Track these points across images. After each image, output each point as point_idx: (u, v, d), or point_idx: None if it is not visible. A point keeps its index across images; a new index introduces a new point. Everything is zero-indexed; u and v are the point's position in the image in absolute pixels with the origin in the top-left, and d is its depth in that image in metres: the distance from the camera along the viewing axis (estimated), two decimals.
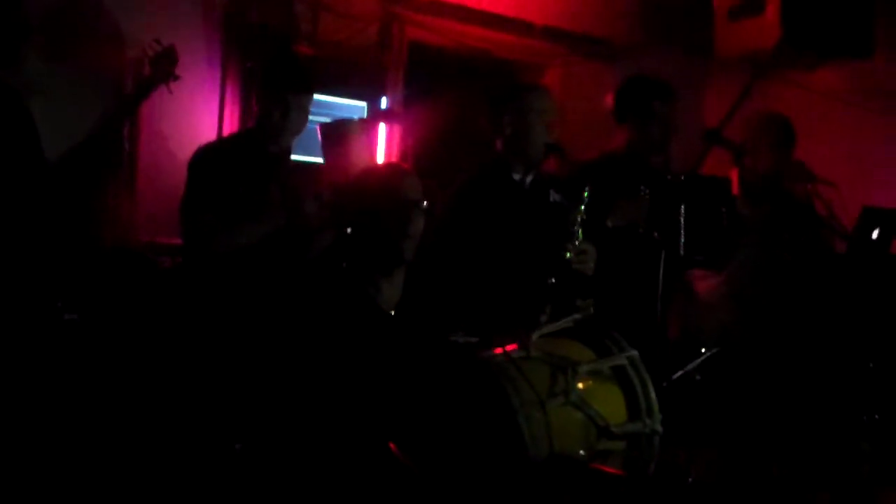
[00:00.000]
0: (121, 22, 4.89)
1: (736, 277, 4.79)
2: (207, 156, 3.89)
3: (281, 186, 3.89)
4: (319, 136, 4.20)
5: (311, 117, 4.04)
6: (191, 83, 4.95)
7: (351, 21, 5.65)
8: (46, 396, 3.71)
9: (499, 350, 3.06)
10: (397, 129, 5.74)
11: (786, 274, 4.70)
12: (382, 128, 5.59)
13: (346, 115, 5.13)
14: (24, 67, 3.97)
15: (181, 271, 4.33)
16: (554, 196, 4.08)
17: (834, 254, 4.81)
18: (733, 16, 6.13)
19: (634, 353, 3.29)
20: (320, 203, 3.78)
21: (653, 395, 3.22)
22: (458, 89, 5.95)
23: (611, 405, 3.16)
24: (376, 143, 5.52)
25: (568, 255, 3.72)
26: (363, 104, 5.56)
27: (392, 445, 2.99)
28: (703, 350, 3.79)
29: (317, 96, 4.15)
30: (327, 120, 4.41)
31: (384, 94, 5.78)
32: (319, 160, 4.30)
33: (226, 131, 5.22)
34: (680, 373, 3.60)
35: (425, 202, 3.43)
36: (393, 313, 3.43)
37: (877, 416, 4.13)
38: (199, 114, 5.21)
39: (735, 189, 4.68)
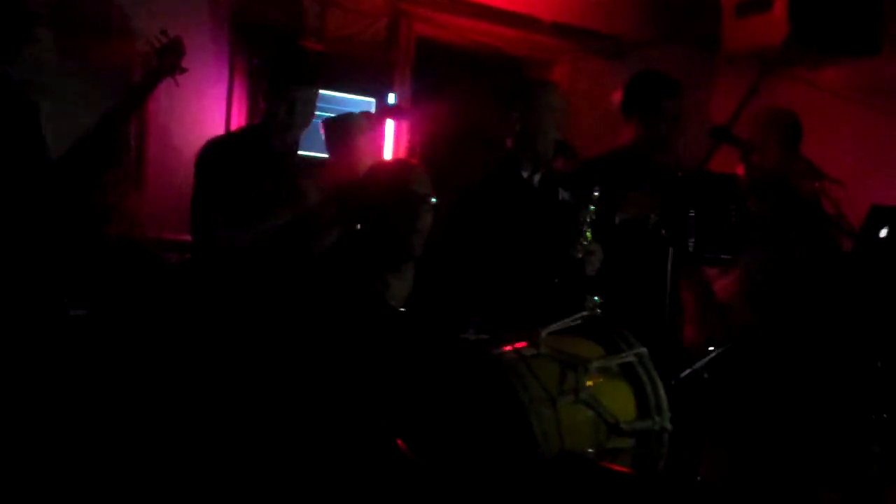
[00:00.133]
0: (129, 18, 4.89)
1: (747, 275, 4.79)
2: (215, 151, 3.87)
3: (287, 182, 3.88)
4: (323, 131, 4.19)
5: (318, 112, 4.03)
6: (199, 79, 4.96)
7: (359, 17, 5.65)
8: (53, 392, 3.71)
9: (509, 347, 3.06)
10: (405, 125, 5.73)
11: (794, 272, 4.70)
12: (390, 124, 5.58)
13: (353, 110, 5.13)
14: (34, 63, 3.98)
15: (189, 267, 4.33)
16: (562, 194, 4.07)
17: (841, 252, 4.80)
18: (741, 12, 6.12)
19: (643, 350, 3.30)
20: (322, 192, 3.78)
21: (662, 392, 3.23)
22: (465, 85, 5.95)
23: (620, 402, 3.16)
24: (383, 139, 5.51)
25: (576, 253, 3.71)
26: (371, 100, 5.56)
27: (400, 442, 2.99)
28: (712, 348, 3.78)
29: (324, 92, 4.14)
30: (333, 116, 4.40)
31: (392, 90, 5.77)
32: (325, 156, 4.29)
33: (233, 128, 5.22)
34: (688, 371, 3.59)
35: (433, 198, 3.43)
36: (402, 309, 3.42)
37: (886, 416, 4.12)
38: (207, 110, 5.21)
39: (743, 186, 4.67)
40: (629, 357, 3.26)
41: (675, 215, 4.12)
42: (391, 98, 5.75)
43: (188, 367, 3.74)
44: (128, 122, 4.54)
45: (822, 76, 6.16)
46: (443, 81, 6.02)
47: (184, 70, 3.91)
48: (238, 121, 5.26)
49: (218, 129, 5.14)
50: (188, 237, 3.99)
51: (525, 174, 4.08)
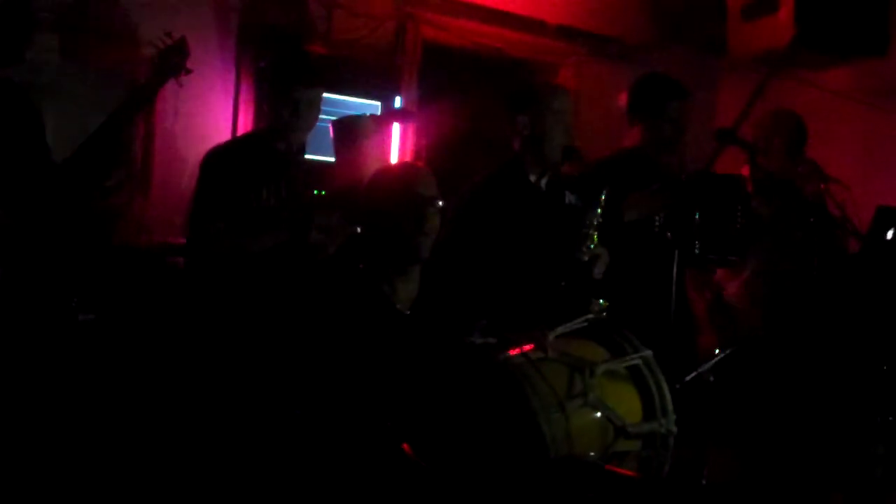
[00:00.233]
0: (136, 22, 4.89)
1: (754, 278, 4.79)
2: (218, 159, 3.88)
3: (291, 186, 3.89)
4: (332, 132, 4.20)
5: (325, 116, 4.05)
6: (205, 84, 4.99)
7: (366, 20, 5.65)
8: (60, 396, 3.72)
9: (516, 351, 3.06)
10: (411, 128, 5.75)
11: (800, 274, 4.70)
12: (396, 127, 5.59)
13: (361, 113, 5.14)
14: (38, 66, 3.99)
15: (193, 271, 4.33)
16: (569, 198, 4.07)
17: (847, 254, 4.80)
18: (747, 15, 6.11)
19: (649, 352, 3.30)
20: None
21: (668, 394, 3.24)
22: (471, 89, 5.96)
23: (626, 405, 3.17)
24: (390, 142, 5.52)
25: (582, 257, 3.72)
26: (377, 103, 5.57)
27: (406, 447, 2.99)
28: (717, 351, 3.79)
29: (331, 95, 4.14)
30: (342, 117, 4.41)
31: (398, 94, 5.78)
32: (332, 159, 4.30)
33: (240, 132, 5.23)
34: (693, 374, 3.60)
35: (440, 201, 3.43)
36: (409, 312, 3.43)
37: (891, 418, 4.12)
38: (214, 114, 5.22)
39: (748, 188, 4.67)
40: (635, 360, 3.27)
41: (681, 217, 4.12)
42: (397, 101, 5.76)
43: (195, 370, 3.75)
44: (132, 124, 4.53)
45: (828, 78, 6.15)
46: (449, 85, 6.03)
47: (189, 71, 3.86)
48: (245, 125, 5.27)
49: (224, 134, 5.16)
50: None
51: (532, 178, 4.08)
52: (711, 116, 6.33)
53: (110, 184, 4.51)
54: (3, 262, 3.51)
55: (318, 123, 4.00)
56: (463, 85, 6.05)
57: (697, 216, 4.14)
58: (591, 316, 3.37)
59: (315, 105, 3.92)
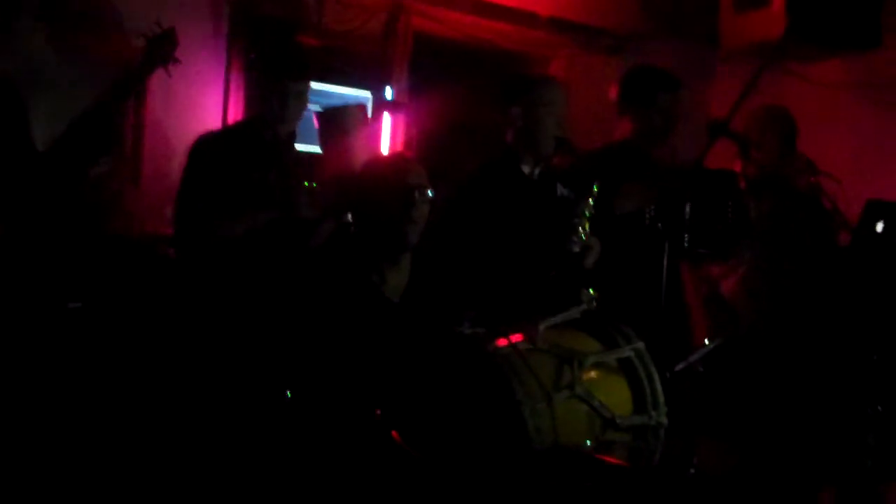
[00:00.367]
0: (127, 11, 4.88)
1: (749, 272, 4.79)
2: (205, 146, 3.90)
3: (280, 175, 3.89)
4: (316, 123, 4.19)
5: (314, 107, 4.04)
6: (196, 74, 4.98)
7: (357, 11, 5.65)
8: (50, 384, 3.71)
9: (505, 341, 3.06)
10: (402, 119, 5.74)
11: (794, 268, 4.70)
12: (387, 118, 5.58)
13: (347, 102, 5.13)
14: (28, 55, 3.96)
15: (183, 261, 4.32)
16: (561, 190, 4.07)
17: (838, 247, 4.80)
18: (739, 7, 6.11)
19: (640, 345, 3.30)
20: (312, 197, 3.78)
21: (659, 387, 3.24)
22: (462, 80, 5.95)
23: (616, 397, 3.17)
24: (379, 132, 5.51)
25: (573, 248, 3.72)
26: (368, 94, 5.57)
27: (395, 434, 2.99)
28: (707, 342, 3.78)
29: (321, 86, 4.14)
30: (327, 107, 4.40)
31: (389, 85, 5.78)
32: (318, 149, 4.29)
33: (230, 122, 5.23)
34: (683, 364, 3.59)
35: (429, 191, 3.43)
36: (398, 301, 3.43)
37: (881, 409, 4.12)
38: (204, 105, 5.21)
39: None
40: (626, 352, 3.27)
41: (672, 210, 4.12)
42: (388, 92, 5.76)
43: (183, 360, 3.74)
44: (120, 112, 4.50)
45: (820, 71, 6.15)
46: (440, 76, 6.02)
47: (177, 61, 3.82)
48: (235, 115, 5.27)
49: (215, 124, 5.15)
50: None
51: (526, 169, 4.08)
52: (704, 109, 6.32)
53: (99, 171, 4.48)
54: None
55: (305, 114, 4.00)
56: (454, 76, 6.04)
57: (688, 209, 4.13)
58: (584, 307, 3.37)
59: (303, 97, 3.93)
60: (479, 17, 6.08)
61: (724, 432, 4.17)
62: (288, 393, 3.21)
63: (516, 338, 3.09)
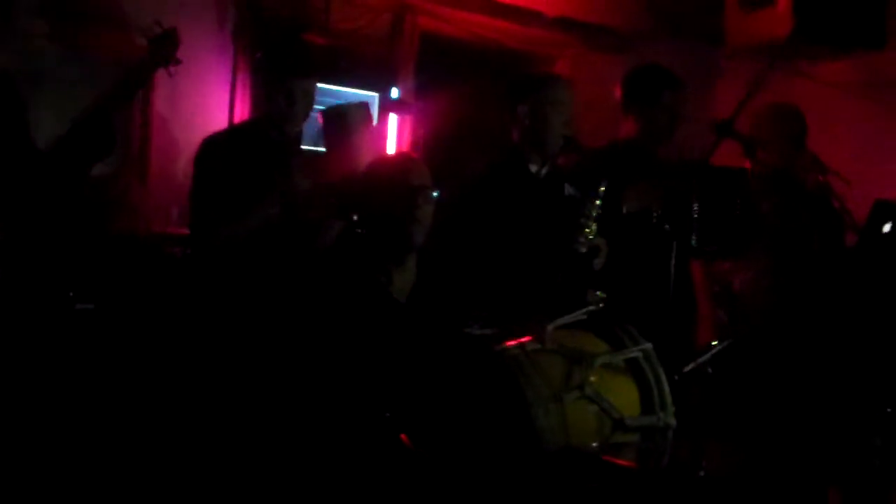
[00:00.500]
0: (132, 10, 4.88)
1: (762, 271, 4.78)
2: (212, 147, 3.88)
3: (284, 176, 3.88)
4: (321, 121, 4.19)
5: (321, 107, 4.04)
6: (203, 73, 4.98)
7: (363, 11, 5.66)
8: (58, 385, 3.71)
9: (513, 342, 3.06)
10: (408, 119, 5.74)
11: (803, 267, 4.69)
12: (393, 118, 5.58)
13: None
14: (33, 54, 3.95)
15: (192, 261, 4.33)
16: (568, 189, 4.06)
17: (845, 247, 4.79)
18: (745, 6, 6.11)
19: (648, 345, 3.30)
20: (315, 198, 3.77)
21: (666, 388, 3.23)
22: (468, 80, 5.96)
23: (625, 398, 3.17)
24: (385, 132, 5.51)
25: (580, 248, 3.71)
26: (374, 94, 5.57)
27: (404, 437, 3.00)
28: (715, 343, 3.78)
29: (328, 86, 4.13)
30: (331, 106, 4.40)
31: (395, 85, 5.78)
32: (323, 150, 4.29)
33: (236, 121, 5.23)
34: (691, 365, 3.59)
35: (434, 192, 3.44)
36: (405, 302, 3.43)
37: (889, 411, 4.12)
38: (211, 104, 5.22)
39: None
40: (634, 353, 3.27)
41: (679, 209, 4.12)
42: (394, 92, 5.76)
43: (192, 361, 3.74)
44: (121, 112, 4.48)
45: (826, 70, 6.15)
46: (446, 76, 6.03)
47: (178, 61, 3.78)
48: (241, 115, 5.27)
49: (221, 123, 5.15)
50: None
51: (533, 168, 4.07)
52: (709, 109, 6.31)
53: (103, 171, 4.48)
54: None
55: (312, 113, 4.00)
56: (460, 76, 6.05)
57: (696, 208, 4.13)
58: (591, 308, 3.37)
59: (310, 95, 3.92)
60: (485, 16, 6.10)
61: (732, 433, 4.17)
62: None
63: (525, 338, 3.10)
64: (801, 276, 4.66)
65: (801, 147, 4.83)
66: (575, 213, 3.80)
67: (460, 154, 5.29)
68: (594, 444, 3.00)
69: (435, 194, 3.46)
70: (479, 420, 2.99)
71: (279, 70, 3.87)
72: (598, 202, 3.74)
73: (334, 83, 5.29)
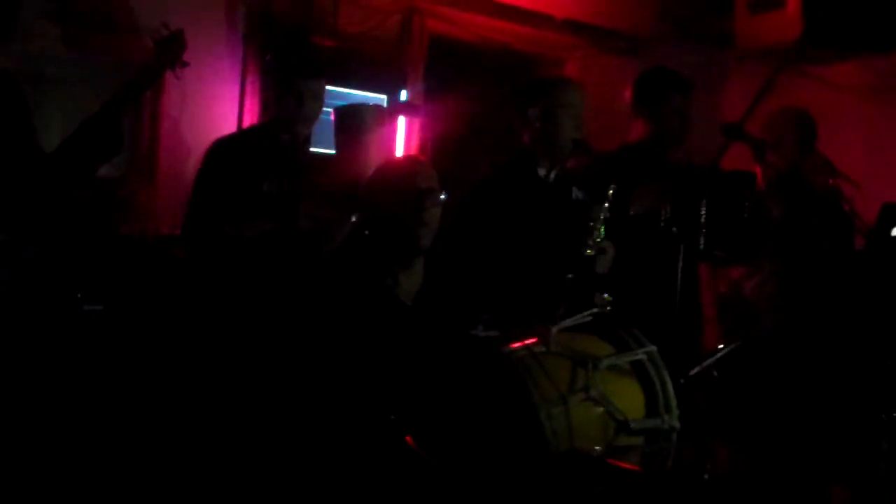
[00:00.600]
0: (141, 13, 4.89)
1: (772, 274, 4.78)
2: (222, 150, 3.89)
3: (292, 181, 3.88)
4: (334, 119, 4.19)
5: (330, 109, 4.05)
6: (212, 75, 4.99)
7: (372, 13, 5.66)
8: (67, 387, 3.73)
9: (519, 344, 3.06)
10: (417, 122, 5.74)
11: (813, 270, 4.69)
12: (402, 121, 5.59)
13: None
14: (39, 55, 3.95)
15: (196, 264, 4.33)
16: (577, 193, 4.06)
17: (854, 250, 4.79)
18: (754, 9, 6.11)
19: (653, 348, 3.30)
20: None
21: (671, 391, 3.23)
22: (477, 82, 5.96)
23: (629, 400, 3.16)
24: (394, 134, 5.52)
25: (588, 251, 3.71)
26: (383, 96, 5.57)
27: (409, 439, 3.00)
28: (721, 346, 3.78)
29: (336, 88, 4.13)
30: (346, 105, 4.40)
31: (404, 87, 5.78)
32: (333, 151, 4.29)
33: (245, 123, 5.24)
34: (697, 369, 3.59)
35: (442, 194, 3.44)
36: (412, 304, 3.43)
37: (895, 414, 4.11)
38: (220, 106, 5.22)
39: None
40: (639, 355, 3.26)
41: (688, 212, 4.11)
42: (403, 95, 5.76)
43: (200, 362, 3.75)
44: (128, 114, 4.47)
45: (835, 73, 6.14)
46: (455, 78, 6.04)
47: (185, 63, 3.74)
48: (250, 117, 5.28)
49: (230, 126, 5.16)
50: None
51: (542, 172, 4.06)
52: (719, 112, 6.30)
53: (111, 172, 4.49)
54: (6, 254, 3.51)
55: (322, 116, 4.01)
56: (469, 79, 6.05)
57: (704, 211, 4.13)
58: (595, 310, 3.37)
59: (319, 96, 3.92)
60: (495, 19, 6.09)
61: (738, 435, 4.16)
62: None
63: (530, 341, 3.10)
64: (810, 279, 4.66)
65: (810, 150, 4.84)
66: (583, 216, 3.80)
67: (468, 157, 5.31)
68: (598, 447, 2.99)
69: (442, 197, 3.46)
70: (485, 422, 2.99)
71: (288, 71, 3.88)
72: (606, 206, 3.73)
73: (343, 85, 5.30)
